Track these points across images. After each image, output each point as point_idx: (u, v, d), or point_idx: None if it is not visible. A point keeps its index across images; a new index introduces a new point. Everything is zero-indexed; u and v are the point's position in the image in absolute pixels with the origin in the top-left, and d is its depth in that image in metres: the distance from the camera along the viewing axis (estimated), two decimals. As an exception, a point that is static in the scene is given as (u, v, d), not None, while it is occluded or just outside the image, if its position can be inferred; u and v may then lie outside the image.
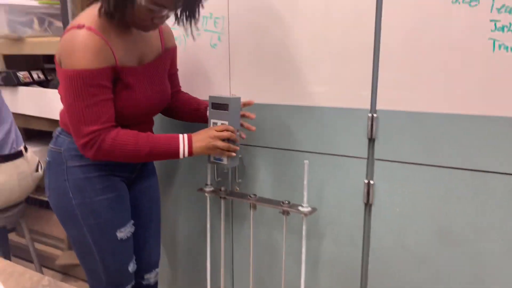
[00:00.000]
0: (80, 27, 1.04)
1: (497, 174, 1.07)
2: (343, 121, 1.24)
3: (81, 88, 1.04)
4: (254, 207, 1.37)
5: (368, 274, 1.29)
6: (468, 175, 1.10)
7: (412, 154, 1.16)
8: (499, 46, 1.01)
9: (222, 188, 1.42)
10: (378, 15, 1.13)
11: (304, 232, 1.25)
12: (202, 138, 1.18)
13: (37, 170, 1.77)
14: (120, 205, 1.26)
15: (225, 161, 1.25)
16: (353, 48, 1.18)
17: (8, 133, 1.64)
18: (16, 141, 1.67)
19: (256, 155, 1.42)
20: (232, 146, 1.20)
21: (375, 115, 1.18)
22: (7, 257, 1.92)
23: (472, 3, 1.02)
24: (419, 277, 1.21)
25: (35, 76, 2.08)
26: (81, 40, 1.03)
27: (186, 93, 1.43)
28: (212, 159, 1.28)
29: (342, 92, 1.23)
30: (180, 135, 1.17)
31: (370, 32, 1.15)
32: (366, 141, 1.21)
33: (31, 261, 1.94)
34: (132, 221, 1.31)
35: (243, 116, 1.28)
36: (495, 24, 1.00)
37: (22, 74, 2.03)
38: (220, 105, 1.23)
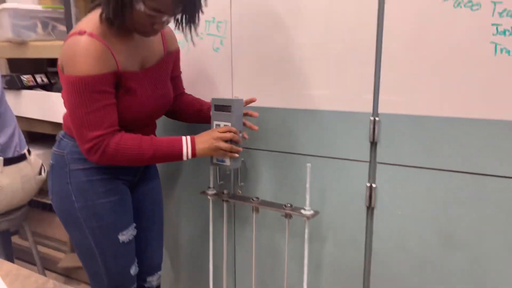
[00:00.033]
0: (81, 33, 1.05)
1: (498, 178, 1.07)
2: (345, 125, 1.24)
3: (83, 94, 1.05)
4: (257, 210, 1.37)
5: (371, 277, 1.29)
6: (470, 178, 1.10)
7: (414, 158, 1.16)
8: (501, 50, 1.01)
9: (225, 191, 1.42)
10: (380, 19, 1.14)
11: (306, 235, 1.25)
12: (205, 139, 1.19)
13: (40, 173, 1.78)
14: (122, 208, 1.27)
15: (227, 162, 1.26)
16: (355, 52, 1.19)
17: (11, 136, 1.64)
18: (19, 144, 1.68)
19: (258, 158, 1.42)
20: (234, 147, 1.21)
21: (377, 118, 1.18)
22: (10, 259, 1.92)
23: (474, 7, 1.02)
24: (421, 280, 1.21)
25: (38, 79, 2.10)
26: (82, 46, 1.04)
27: (189, 94, 1.44)
28: (214, 160, 1.29)
29: (344, 95, 1.23)
30: (183, 137, 1.18)
31: (372, 35, 1.15)
32: (368, 144, 1.21)
33: (34, 264, 1.94)
34: (134, 224, 1.31)
35: (246, 114, 1.28)
36: (496, 28, 1.01)
37: (26, 78, 2.04)
38: (223, 107, 1.24)
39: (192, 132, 1.25)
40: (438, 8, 1.06)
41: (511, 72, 1.01)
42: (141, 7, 1.01)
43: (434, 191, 1.15)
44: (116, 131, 1.12)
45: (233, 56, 1.40)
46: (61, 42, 1.10)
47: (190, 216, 1.64)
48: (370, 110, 1.19)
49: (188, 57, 1.46)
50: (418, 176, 1.16)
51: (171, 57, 1.30)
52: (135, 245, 1.34)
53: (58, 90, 2.02)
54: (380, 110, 1.18)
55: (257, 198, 1.36)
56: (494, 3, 1.00)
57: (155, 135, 1.31)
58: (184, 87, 1.44)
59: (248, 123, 1.29)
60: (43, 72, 2.17)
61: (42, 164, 1.82)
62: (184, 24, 1.08)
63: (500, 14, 1.00)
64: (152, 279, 1.45)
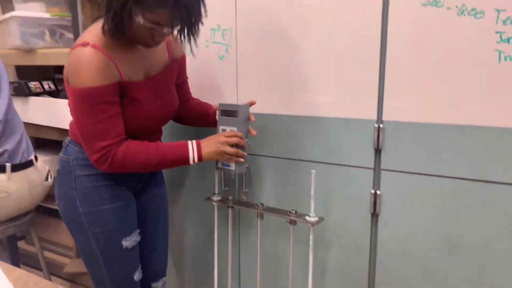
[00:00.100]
0: (85, 44, 1.06)
1: (503, 185, 1.07)
2: (349, 132, 1.25)
3: (88, 105, 1.06)
4: (261, 216, 1.38)
5: (375, 284, 1.29)
6: (475, 185, 1.10)
7: (418, 164, 1.16)
8: (505, 58, 1.02)
9: (230, 197, 1.43)
10: (383, 27, 1.15)
11: (311, 242, 1.26)
12: (211, 143, 1.20)
13: (47, 179, 1.79)
14: (126, 214, 1.27)
15: (232, 167, 1.26)
16: (359, 60, 1.19)
17: (19, 142, 1.66)
18: (27, 150, 1.69)
19: (263, 165, 1.43)
20: (240, 151, 1.22)
21: (381, 125, 1.19)
22: (16, 265, 1.93)
23: (478, 15, 1.03)
24: (426, 287, 1.21)
25: (46, 86, 2.12)
26: (85, 58, 1.05)
27: (196, 98, 1.45)
28: (219, 165, 1.30)
29: (348, 102, 1.24)
30: (189, 142, 1.19)
31: (376, 43, 1.16)
32: (373, 151, 1.22)
33: (40, 269, 1.95)
34: (138, 230, 1.32)
35: None
36: (500, 36, 1.01)
37: (33, 85, 2.06)
38: (229, 112, 1.25)
39: (199, 136, 1.26)
40: (442, 16, 1.07)
41: (515, 79, 1.02)
42: (140, 20, 1.02)
43: (438, 198, 1.15)
44: (123, 140, 1.13)
45: (238, 63, 1.41)
46: (68, 50, 1.11)
47: (194, 222, 1.65)
48: (375, 117, 1.20)
49: (193, 64, 1.47)
50: (423, 183, 1.16)
51: (176, 64, 1.31)
52: (140, 251, 1.35)
53: (65, 96, 2.03)
54: (384, 117, 1.19)
55: (262, 204, 1.36)
56: (498, 11, 1.00)
57: (161, 141, 1.32)
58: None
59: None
60: (50, 79, 2.19)
61: (49, 170, 1.83)
62: (184, 36, 1.08)
63: (504, 22, 1.00)
64: (157, 285, 1.46)
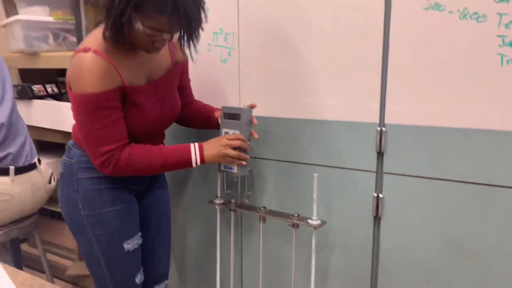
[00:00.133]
0: (86, 50, 1.07)
1: (506, 188, 1.07)
2: (352, 135, 1.25)
3: (91, 111, 1.07)
4: (264, 219, 1.38)
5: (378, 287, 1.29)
6: (477, 189, 1.10)
7: (421, 168, 1.16)
8: (507, 61, 1.02)
9: (232, 200, 1.43)
10: (386, 30, 1.15)
11: (313, 245, 1.26)
12: (214, 146, 1.21)
13: (50, 182, 1.80)
14: (128, 216, 1.28)
15: (235, 169, 1.27)
16: (362, 63, 1.20)
17: (23, 145, 1.67)
18: (30, 153, 1.70)
19: (266, 168, 1.43)
20: (242, 154, 1.22)
21: (383, 129, 1.19)
22: (19, 267, 1.94)
23: (480, 19, 1.03)
24: (429, 291, 1.21)
25: (49, 89, 2.13)
26: (87, 64, 1.06)
27: (198, 101, 1.45)
28: (222, 167, 1.30)
29: (351, 106, 1.24)
30: (191, 144, 1.20)
31: (378, 46, 1.16)
32: (375, 154, 1.22)
33: (43, 272, 1.96)
34: (140, 233, 1.32)
35: None
36: (502, 40, 1.01)
37: (36, 88, 2.07)
38: (232, 115, 1.26)
39: (201, 139, 1.26)
40: (444, 20, 1.07)
41: (517, 83, 1.02)
42: (139, 26, 1.02)
43: (441, 202, 1.15)
44: (125, 144, 1.14)
45: (240, 67, 1.42)
46: (72, 53, 1.12)
47: (197, 225, 1.65)
48: (377, 120, 1.20)
49: (196, 68, 1.47)
50: (425, 186, 1.16)
51: (179, 68, 1.31)
52: (142, 253, 1.35)
53: (68, 100, 2.04)
54: (386, 121, 1.19)
55: (264, 207, 1.37)
56: (500, 15, 1.00)
57: (164, 144, 1.32)
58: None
59: None
60: (54, 82, 2.20)
61: (52, 173, 1.84)
62: (184, 41, 1.07)
63: (506, 26, 1.00)
64: (159, 288, 1.46)
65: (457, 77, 1.08)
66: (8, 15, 2.22)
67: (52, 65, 2.02)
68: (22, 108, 2.00)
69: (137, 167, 1.15)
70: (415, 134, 1.15)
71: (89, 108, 1.07)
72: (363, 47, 1.19)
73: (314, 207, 1.23)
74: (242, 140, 1.22)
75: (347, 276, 1.33)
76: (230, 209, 1.44)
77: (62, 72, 2.31)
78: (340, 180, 1.29)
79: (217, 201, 1.44)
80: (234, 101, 1.45)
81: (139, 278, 1.33)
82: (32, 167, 1.69)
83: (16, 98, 1.92)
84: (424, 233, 1.19)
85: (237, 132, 1.25)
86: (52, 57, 2.00)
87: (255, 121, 1.27)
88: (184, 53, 1.33)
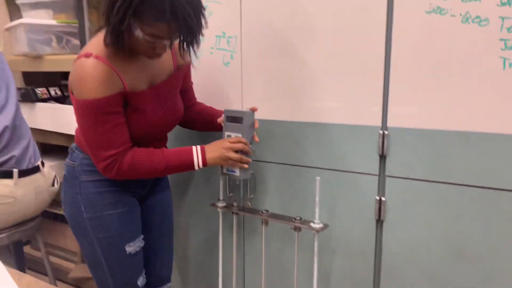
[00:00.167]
0: (87, 55, 1.07)
1: (509, 192, 1.06)
2: (354, 138, 1.25)
3: (93, 117, 1.08)
4: (266, 223, 1.38)
5: (380, 291, 1.28)
6: (480, 192, 1.10)
7: (423, 171, 1.16)
8: (510, 65, 1.02)
9: (235, 204, 1.43)
10: (388, 34, 1.15)
11: (315, 248, 1.26)
12: (216, 148, 1.21)
13: (53, 185, 1.80)
14: (130, 219, 1.28)
15: (237, 172, 1.27)
16: (364, 67, 1.20)
17: (26, 148, 1.67)
18: (34, 156, 1.71)
19: (268, 171, 1.43)
20: (244, 157, 1.23)
21: (386, 132, 1.19)
22: (21, 270, 1.94)
23: (482, 23, 1.03)
24: (432, 295, 1.20)
25: (52, 92, 2.14)
26: (88, 69, 1.06)
27: (201, 103, 1.45)
28: (224, 170, 1.31)
29: (353, 109, 1.24)
30: (193, 147, 1.21)
31: (381, 50, 1.17)
32: (377, 158, 1.22)
33: (45, 274, 1.96)
34: (142, 236, 1.33)
35: None
36: (505, 43, 1.01)
37: (40, 91, 2.08)
38: (234, 118, 1.26)
39: (204, 141, 1.27)
40: (446, 24, 1.07)
41: (520, 86, 1.02)
42: (139, 34, 1.02)
43: (444, 205, 1.15)
44: (128, 149, 1.14)
45: (243, 70, 1.42)
46: (75, 56, 1.12)
47: (199, 228, 1.65)
48: (379, 123, 1.20)
49: (199, 71, 1.48)
50: (428, 190, 1.16)
51: (181, 72, 1.31)
52: (144, 256, 1.36)
53: (71, 102, 2.06)
54: (389, 124, 1.19)
55: (267, 211, 1.37)
56: (503, 18, 1.00)
57: (167, 147, 1.33)
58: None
59: None
60: (57, 85, 2.21)
61: (55, 176, 1.84)
62: (184, 47, 1.06)
63: (508, 29, 1.00)
64: (162, 291, 1.46)
65: (460, 81, 1.08)
66: (12, 18, 2.24)
67: (55, 68, 2.03)
68: (26, 111, 2.00)
69: (140, 171, 1.16)
70: (417, 137, 1.15)
71: (91, 114, 1.07)
72: (365, 51, 1.19)
73: (316, 210, 1.23)
74: (244, 143, 1.22)
75: (350, 280, 1.33)
76: (233, 212, 1.44)
77: (66, 75, 2.30)
78: (343, 183, 1.29)
79: (220, 204, 1.44)
80: (236, 104, 1.45)
81: (141, 281, 1.33)
82: (35, 170, 1.70)
83: (20, 101, 1.93)
84: (427, 236, 1.18)
85: (239, 135, 1.25)
86: (55, 60, 2.01)
87: (256, 125, 1.28)
88: (187, 57, 1.33)
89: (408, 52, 1.13)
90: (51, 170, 1.83)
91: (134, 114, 1.16)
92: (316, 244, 1.25)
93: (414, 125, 1.15)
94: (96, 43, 1.11)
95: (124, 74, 1.12)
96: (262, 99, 1.40)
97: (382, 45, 1.16)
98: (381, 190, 1.23)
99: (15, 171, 1.60)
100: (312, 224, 1.24)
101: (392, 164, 1.20)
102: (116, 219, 1.24)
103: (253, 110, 1.28)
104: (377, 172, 1.23)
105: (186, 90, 1.38)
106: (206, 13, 1.42)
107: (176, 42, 1.06)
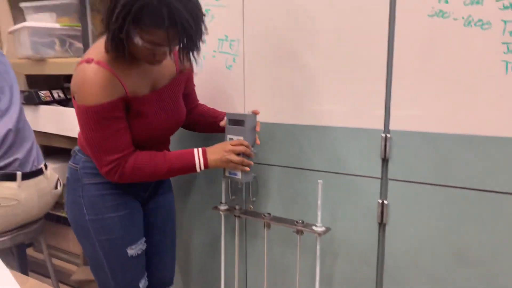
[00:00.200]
0: (89, 61, 1.08)
1: (511, 195, 1.07)
2: (356, 141, 1.25)
3: (95, 122, 1.08)
4: (268, 226, 1.38)
5: (383, 295, 1.28)
6: (483, 195, 1.09)
7: (426, 174, 1.16)
8: (512, 68, 1.02)
9: (237, 207, 1.43)
10: (390, 37, 1.15)
11: (318, 252, 1.25)
12: (217, 151, 1.22)
13: (56, 187, 1.81)
14: (132, 222, 1.29)
15: (239, 175, 1.27)
16: (366, 70, 1.20)
17: (29, 151, 1.68)
18: (37, 159, 1.71)
19: (270, 174, 1.43)
20: (246, 160, 1.23)
21: (388, 135, 1.19)
22: (24, 272, 1.95)
23: (484, 26, 1.03)
24: (434, 298, 1.20)
25: (55, 95, 2.14)
26: (89, 75, 1.07)
27: (203, 105, 1.46)
28: (226, 173, 1.31)
29: (355, 112, 1.24)
30: (195, 150, 1.21)
31: (383, 53, 1.17)
32: (380, 161, 1.22)
33: (48, 277, 1.97)
34: (143, 239, 1.33)
35: None
36: (507, 47, 1.01)
37: (43, 93, 2.08)
38: (236, 121, 1.27)
39: (207, 143, 1.27)
40: (449, 27, 1.07)
41: (522, 90, 1.02)
42: (138, 41, 1.02)
43: (446, 208, 1.15)
44: (130, 153, 1.15)
45: (245, 73, 1.42)
46: (78, 59, 1.13)
47: (201, 231, 1.65)
48: (382, 127, 1.20)
49: (201, 74, 1.48)
50: (430, 193, 1.16)
51: (184, 76, 1.31)
52: (147, 259, 1.36)
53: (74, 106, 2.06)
54: (391, 127, 1.19)
55: (269, 214, 1.37)
56: (505, 22, 1.01)
57: (169, 150, 1.33)
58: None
59: None
60: (60, 87, 2.22)
61: (58, 178, 1.85)
62: (184, 54, 1.06)
63: (511, 33, 1.00)
64: (164, 294, 1.46)
65: (462, 84, 1.08)
66: (15, 21, 2.25)
67: (58, 71, 2.03)
68: (29, 113, 2.01)
69: (143, 174, 1.17)
70: (419, 141, 1.15)
71: (93, 119, 1.08)
72: (367, 54, 1.19)
73: (319, 213, 1.23)
74: (246, 146, 1.23)
75: (352, 283, 1.33)
76: (235, 215, 1.44)
77: (69, 78, 2.31)
78: (345, 186, 1.29)
79: (222, 207, 1.44)
80: (238, 107, 1.46)
81: (143, 284, 1.34)
82: (38, 172, 1.70)
83: (23, 103, 1.93)
84: (429, 239, 1.18)
85: (241, 138, 1.25)
86: (58, 63, 2.02)
87: (258, 127, 1.28)
88: (185, 64, 1.33)
89: (410, 56, 1.13)
90: (54, 173, 1.83)
91: (136, 119, 1.17)
92: (318, 247, 1.25)
93: (416, 128, 1.15)
94: (98, 48, 1.11)
95: (126, 79, 1.12)
96: (264, 102, 1.40)
97: (385, 49, 1.16)
98: (383, 193, 1.23)
99: (19, 173, 1.61)
100: (314, 228, 1.24)
101: (394, 167, 1.20)
102: (117, 222, 1.24)
103: (255, 113, 1.28)
104: (379, 175, 1.23)
105: (188, 93, 1.39)
106: (209, 16, 1.44)
107: (176, 48, 1.06)
